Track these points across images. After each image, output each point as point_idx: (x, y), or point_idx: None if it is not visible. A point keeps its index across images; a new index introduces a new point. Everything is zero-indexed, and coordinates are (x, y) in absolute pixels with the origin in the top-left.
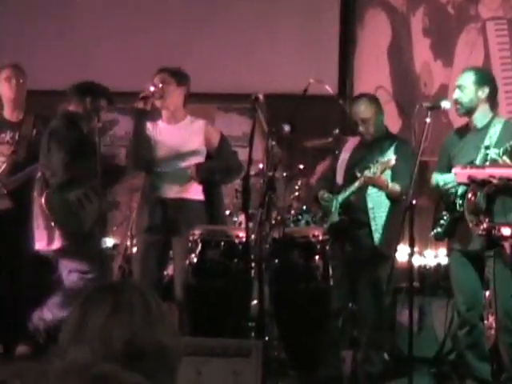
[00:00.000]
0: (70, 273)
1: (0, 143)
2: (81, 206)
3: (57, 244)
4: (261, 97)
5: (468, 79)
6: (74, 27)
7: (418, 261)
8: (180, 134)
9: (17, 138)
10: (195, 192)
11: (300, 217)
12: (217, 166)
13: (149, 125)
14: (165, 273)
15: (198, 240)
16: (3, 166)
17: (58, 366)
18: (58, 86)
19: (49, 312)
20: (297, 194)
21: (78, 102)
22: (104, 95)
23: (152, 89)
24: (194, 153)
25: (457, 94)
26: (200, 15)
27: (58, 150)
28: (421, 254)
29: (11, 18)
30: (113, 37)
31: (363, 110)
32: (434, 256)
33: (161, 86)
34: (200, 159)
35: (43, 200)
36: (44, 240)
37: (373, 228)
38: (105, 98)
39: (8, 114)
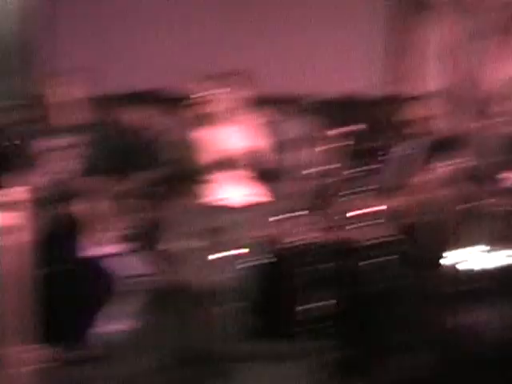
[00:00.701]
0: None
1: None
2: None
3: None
4: (315, 100)
5: None
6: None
7: (471, 264)
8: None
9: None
10: (242, 194)
11: (359, 220)
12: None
13: (203, 130)
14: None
15: (250, 243)
16: None
17: (120, 372)
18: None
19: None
20: (353, 196)
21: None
22: (152, 102)
23: (205, 93)
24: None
25: None
26: (238, 20)
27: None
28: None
29: (63, 12)
30: (156, 41)
31: (420, 110)
32: (494, 257)
33: (213, 91)
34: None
35: None
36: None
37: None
38: (153, 104)
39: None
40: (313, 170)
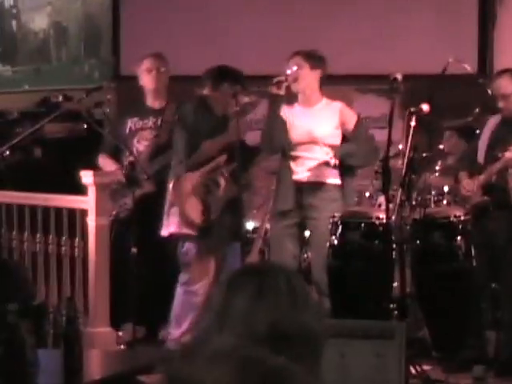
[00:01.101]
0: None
1: (143, 129)
2: (207, 193)
3: (182, 230)
4: (399, 77)
5: None
6: (210, 14)
7: None
8: (315, 117)
9: (159, 123)
10: (331, 176)
11: (441, 197)
12: (353, 149)
13: (285, 108)
14: (304, 256)
15: (339, 222)
16: (145, 150)
17: (204, 350)
18: (198, 72)
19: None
20: (437, 174)
21: (213, 87)
22: (239, 80)
23: (288, 72)
24: (329, 135)
25: None
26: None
27: (181, 136)
28: None
29: (153, 8)
30: (247, 22)
31: (505, 85)
32: None
33: (295, 69)
34: (336, 142)
35: (171, 187)
36: (169, 226)
37: None
38: (239, 83)
39: (150, 101)
40: (399, 147)
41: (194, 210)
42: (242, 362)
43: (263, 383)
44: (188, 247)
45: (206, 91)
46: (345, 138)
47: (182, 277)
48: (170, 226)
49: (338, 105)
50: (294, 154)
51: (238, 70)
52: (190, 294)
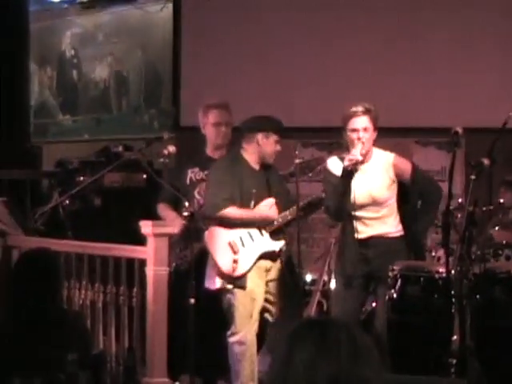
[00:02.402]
0: None
1: (204, 180)
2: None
3: (218, 283)
4: (460, 130)
5: None
6: (271, 66)
7: None
8: (370, 175)
9: None
10: (394, 227)
11: (501, 251)
12: (412, 191)
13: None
14: (368, 308)
15: (398, 275)
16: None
17: None
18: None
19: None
20: (497, 228)
21: (248, 138)
22: (274, 129)
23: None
24: (389, 196)
25: None
26: (399, 48)
27: (209, 187)
28: None
29: (213, 59)
30: (304, 73)
31: None
32: None
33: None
34: (394, 192)
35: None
36: (211, 278)
37: None
38: (275, 132)
39: (210, 151)
40: (459, 201)
41: (226, 262)
42: None
43: None
44: (227, 298)
45: (244, 143)
46: (405, 187)
47: (229, 328)
48: (210, 279)
49: (390, 158)
50: (358, 214)
51: (275, 119)
52: (237, 344)
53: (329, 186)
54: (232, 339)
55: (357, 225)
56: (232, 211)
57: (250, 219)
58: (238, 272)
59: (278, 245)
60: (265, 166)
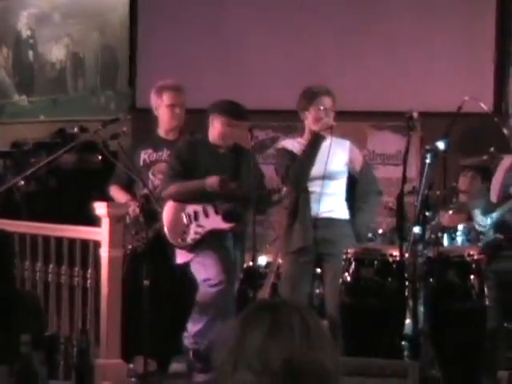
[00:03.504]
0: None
1: (158, 161)
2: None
3: (187, 256)
4: (415, 115)
5: None
6: (226, 47)
7: None
8: (327, 152)
9: None
10: (344, 211)
11: (454, 235)
12: (361, 189)
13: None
14: (316, 291)
15: (352, 258)
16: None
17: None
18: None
19: (189, 327)
20: (450, 212)
21: (208, 121)
22: (224, 112)
23: (321, 107)
24: (341, 171)
25: None
26: (354, 33)
27: (168, 167)
28: None
29: (170, 41)
30: (261, 56)
31: None
32: None
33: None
34: (344, 178)
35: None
36: (180, 253)
37: None
38: (228, 115)
39: (163, 133)
40: (413, 185)
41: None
42: None
43: None
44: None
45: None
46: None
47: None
48: (179, 256)
49: (347, 142)
50: (310, 189)
51: (238, 104)
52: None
53: (285, 160)
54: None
55: (309, 198)
56: (172, 187)
57: (192, 190)
58: (186, 241)
59: (227, 225)
60: (236, 150)
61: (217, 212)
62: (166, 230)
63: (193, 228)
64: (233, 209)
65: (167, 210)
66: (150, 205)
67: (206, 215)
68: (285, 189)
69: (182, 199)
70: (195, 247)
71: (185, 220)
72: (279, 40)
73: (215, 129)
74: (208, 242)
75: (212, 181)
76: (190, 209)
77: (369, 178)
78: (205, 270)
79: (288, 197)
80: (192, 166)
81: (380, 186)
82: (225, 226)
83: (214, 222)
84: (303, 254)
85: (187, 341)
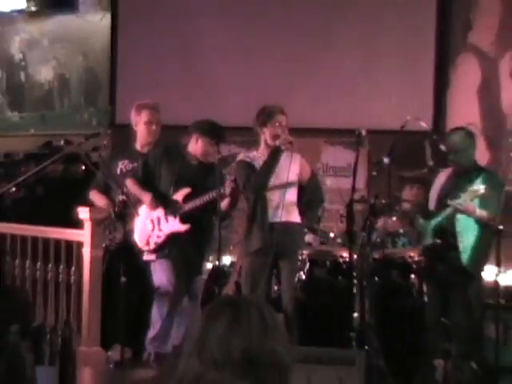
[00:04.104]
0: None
1: (132, 171)
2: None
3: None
4: (364, 132)
5: None
6: (198, 70)
7: (503, 280)
8: (284, 160)
9: None
10: (296, 216)
11: (397, 239)
12: (307, 196)
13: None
14: (274, 288)
15: (306, 259)
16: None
17: (174, 375)
18: (184, 122)
19: (148, 333)
20: (394, 218)
21: (189, 136)
22: (205, 133)
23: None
24: (295, 182)
25: None
26: (310, 57)
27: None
28: (506, 273)
29: (147, 64)
30: (228, 78)
31: (459, 141)
32: None
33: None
34: (296, 187)
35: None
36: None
37: (461, 250)
38: (208, 135)
39: (139, 147)
40: (362, 194)
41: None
42: None
43: None
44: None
45: (189, 142)
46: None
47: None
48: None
49: (298, 156)
50: (267, 196)
51: (219, 125)
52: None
53: (244, 173)
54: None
55: (267, 204)
56: (129, 181)
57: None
58: (151, 246)
59: (184, 227)
60: (206, 163)
61: (175, 216)
62: (135, 234)
63: (155, 233)
64: (190, 212)
65: (138, 218)
66: (127, 209)
67: (166, 220)
68: (229, 187)
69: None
70: (156, 251)
71: (150, 226)
72: (240, 66)
73: (199, 147)
74: (168, 247)
75: (146, 198)
76: (155, 214)
77: (315, 187)
78: (157, 278)
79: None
80: (153, 174)
81: (324, 195)
82: (182, 228)
83: (173, 225)
84: (261, 255)
85: (147, 345)
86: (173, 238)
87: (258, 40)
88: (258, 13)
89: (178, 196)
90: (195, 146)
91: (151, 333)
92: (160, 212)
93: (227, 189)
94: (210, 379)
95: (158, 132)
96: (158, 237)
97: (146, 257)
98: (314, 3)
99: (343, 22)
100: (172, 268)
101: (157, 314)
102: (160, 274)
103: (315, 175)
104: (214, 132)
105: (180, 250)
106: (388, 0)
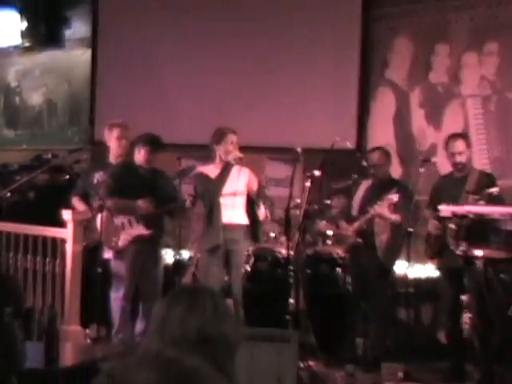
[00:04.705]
0: None
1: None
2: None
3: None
4: (299, 150)
5: (464, 146)
6: (162, 93)
7: (412, 272)
8: (235, 173)
9: None
10: (244, 218)
11: (326, 239)
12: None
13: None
14: (225, 278)
15: (252, 255)
16: None
17: (135, 354)
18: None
19: None
20: (325, 221)
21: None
22: (145, 143)
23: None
24: (244, 190)
25: (463, 159)
26: (257, 87)
27: (105, 184)
28: (414, 267)
29: (120, 87)
30: (191, 101)
31: (377, 158)
32: (425, 269)
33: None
34: (245, 191)
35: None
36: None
37: (378, 248)
38: (146, 145)
39: (113, 159)
40: (297, 201)
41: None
42: (163, 363)
43: (180, 380)
44: (113, 265)
45: (137, 154)
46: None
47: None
48: (106, 252)
49: (247, 170)
50: (220, 202)
51: (156, 137)
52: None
53: (201, 183)
54: (115, 295)
55: (220, 209)
56: (110, 202)
57: (124, 207)
58: (118, 248)
59: (147, 231)
60: (154, 171)
61: (138, 221)
62: (99, 233)
63: (123, 235)
64: (150, 218)
65: (100, 220)
66: (102, 212)
67: (131, 225)
68: (188, 200)
69: (115, 210)
70: (122, 251)
71: (118, 228)
72: (200, 90)
73: (141, 155)
74: (130, 249)
75: (141, 204)
76: (119, 220)
77: (261, 195)
78: (116, 281)
79: (196, 206)
80: (118, 183)
81: (269, 202)
82: (145, 232)
83: (137, 229)
84: (215, 250)
85: (113, 338)
86: (136, 240)
87: (213, 70)
88: (216, 45)
89: (141, 203)
90: (138, 156)
91: (115, 328)
92: (123, 218)
93: (188, 202)
94: (168, 355)
95: (127, 146)
96: (125, 239)
97: (106, 255)
98: (261, 36)
99: (284, 62)
100: (130, 270)
101: (114, 306)
102: (120, 277)
103: (262, 187)
104: (151, 142)
105: (138, 253)
106: (321, 44)
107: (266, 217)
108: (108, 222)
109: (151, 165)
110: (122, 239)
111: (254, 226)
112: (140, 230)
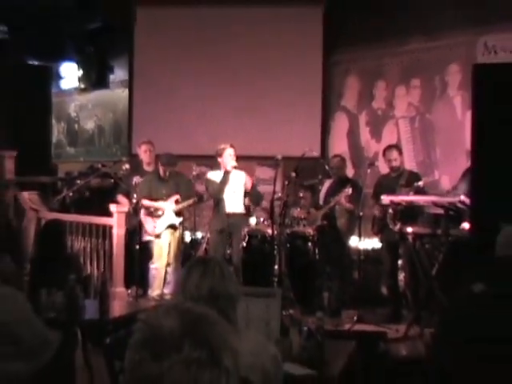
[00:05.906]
0: None
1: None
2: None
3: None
4: (279, 157)
5: (397, 154)
6: (181, 118)
7: (362, 245)
8: (235, 175)
9: None
10: (242, 208)
11: (300, 222)
12: (251, 198)
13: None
14: (228, 251)
15: (246, 234)
16: None
17: (163, 306)
18: (171, 151)
19: None
20: (299, 209)
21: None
22: (161, 162)
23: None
24: (242, 190)
25: (397, 163)
26: (249, 108)
27: (139, 187)
28: (364, 241)
29: (149, 116)
30: (203, 123)
31: (336, 163)
32: (372, 242)
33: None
34: (243, 191)
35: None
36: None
37: (338, 228)
38: (162, 163)
39: (145, 167)
40: (279, 195)
41: (150, 226)
42: (183, 311)
43: (196, 323)
44: (151, 245)
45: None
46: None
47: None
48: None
49: (243, 173)
50: (226, 198)
51: (169, 155)
52: (153, 269)
53: (210, 184)
54: (151, 266)
55: (224, 201)
56: (144, 202)
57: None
58: (156, 232)
59: (178, 220)
60: (174, 174)
61: (169, 213)
62: (143, 222)
63: (158, 223)
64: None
65: (141, 212)
66: (138, 207)
67: (165, 214)
68: (205, 196)
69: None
70: (159, 235)
71: (154, 218)
72: (207, 110)
73: (161, 170)
74: (165, 233)
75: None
76: (155, 212)
77: (254, 193)
78: (154, 256)
79: (209, 200)
80: (147, 187)
81: (260, 197)
82: (176, 221)
83: (171, 218)
84: (221, 232)
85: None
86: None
87: (216, 99)
88: (220, 82)
89: (172, 200)
90: (160, 169)
91: (150, 289)
92: (159, 210)
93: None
94: (187, 305)
95: (153, 157)
96: (154, 227)
97: (145, 237)
98: (249, 69)
99: (271, 92)
100: (163, 246)
101: (151, 273)
102: (156, 245)
103: (255, 185)
104: (165, 160)
105: (168, 234)
106: (294, 82)
107: (253, 182)
108: (146, 214)
109: (171, 173)
110: (159, 226)
111: (252, 200)
112: (170, 219)
